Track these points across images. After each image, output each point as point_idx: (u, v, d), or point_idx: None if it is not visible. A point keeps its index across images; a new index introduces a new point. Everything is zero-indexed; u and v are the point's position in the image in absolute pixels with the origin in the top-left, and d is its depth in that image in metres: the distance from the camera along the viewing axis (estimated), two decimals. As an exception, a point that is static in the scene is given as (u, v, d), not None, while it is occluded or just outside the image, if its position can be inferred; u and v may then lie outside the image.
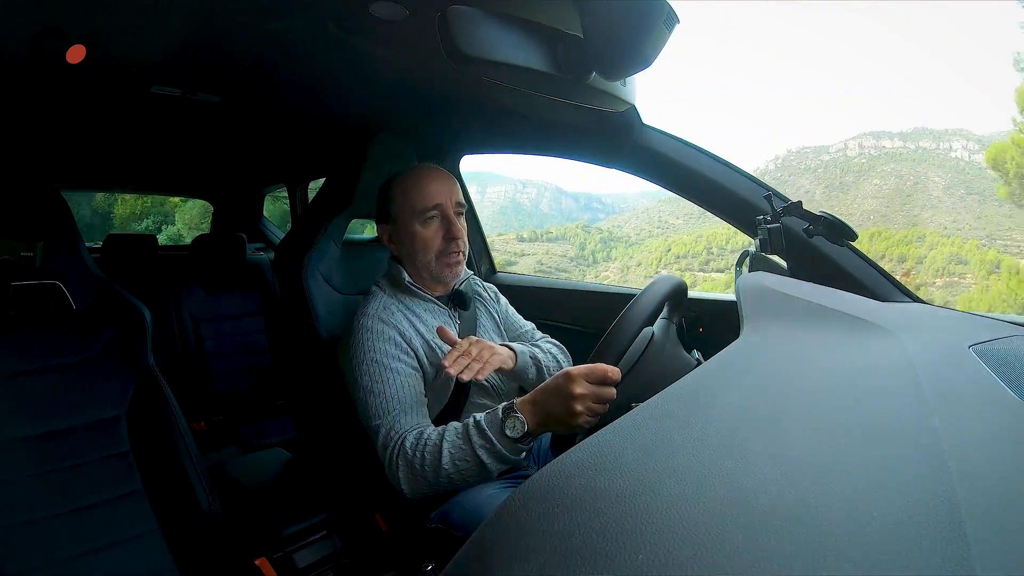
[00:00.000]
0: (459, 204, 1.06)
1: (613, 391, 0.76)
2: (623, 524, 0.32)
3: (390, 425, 0.92)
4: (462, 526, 0.98)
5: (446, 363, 0.86)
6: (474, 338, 0.94)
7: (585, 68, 0.83)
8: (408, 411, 0.93)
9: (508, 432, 0.80)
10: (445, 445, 0.85)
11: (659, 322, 0.96)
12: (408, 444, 0.89)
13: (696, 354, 0.98)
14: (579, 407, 0.75)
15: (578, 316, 1.56)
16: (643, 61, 0.81)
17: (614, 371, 0.76)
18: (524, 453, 0.84)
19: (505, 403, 0.83)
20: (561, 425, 0.78)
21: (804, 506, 0.33)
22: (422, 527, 1.02)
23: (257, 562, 1.06)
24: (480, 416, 0.85)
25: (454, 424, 0.89)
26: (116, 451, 0.99)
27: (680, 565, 0.29)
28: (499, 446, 0.81)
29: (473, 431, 0.84)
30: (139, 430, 1.01)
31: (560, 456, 0.41)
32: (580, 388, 0.76)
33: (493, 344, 0.96)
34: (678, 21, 0.77)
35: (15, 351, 0.95)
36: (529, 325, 1.27)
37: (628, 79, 0.94)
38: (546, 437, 1.17)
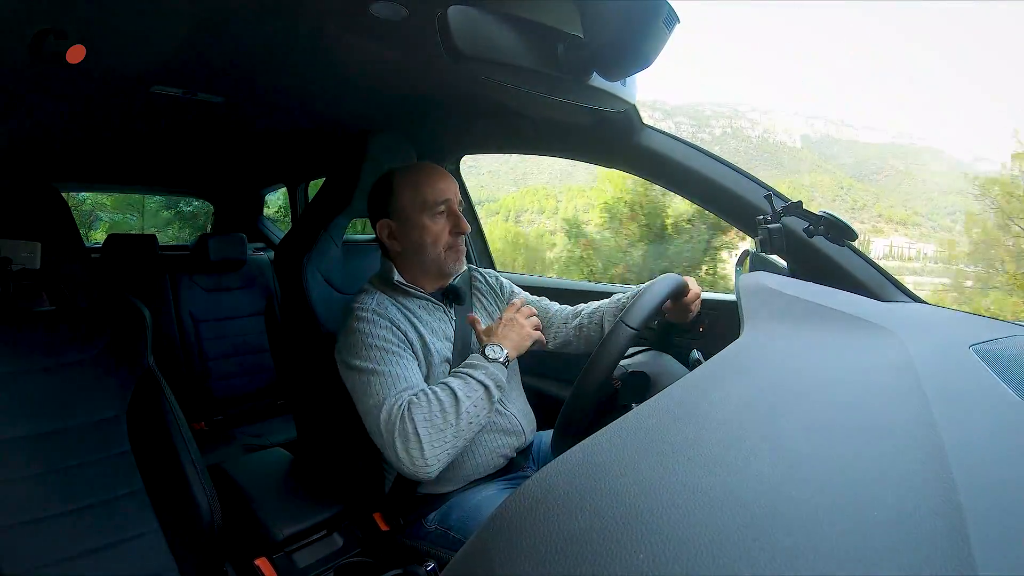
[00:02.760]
0: (461, 203, 1.08)
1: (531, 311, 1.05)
2: (624, 523, 0.32)
3: (395, 399, 0.90)
4: (460, 528, 0.98)
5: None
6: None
7: (585, 68, 0.83)
8: (412, 388, 0.93)
9: (490, 355, 0.96)
10: (452, 384, 0.92)
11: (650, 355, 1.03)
12: (418, 400, 0.90)
13: (696, 354, 0.99)
14: (514, 330, 1.00)
15: None
16: (643, 61, 0.81)
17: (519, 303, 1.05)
18: (506, 377, 0.97)
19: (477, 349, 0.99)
20: (520, 341, 1.00)
21: (805, 505, 0.33)
22: (421, 528, 1.02)
23: (257, 562, 1.05)
24: (460, 365, 0.98)
25: (439, 382, 0.96)
26: (116, 451, 0.99)
27: (680, 564, 0.29)
28: (492, 367, 0.94)
29: (465, 368, 0.96)
30: (139, 430, 1.01)
31: (560, 456, 0.41)
32: (510, 313, 1.02)
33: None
34: (678, 21, 0.77)
35: (15, 351, 0.95)
36: (541, 300, 1.28)
37: (628, 79, 0.94)
38: (546, 438, 1.17)
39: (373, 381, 0.93)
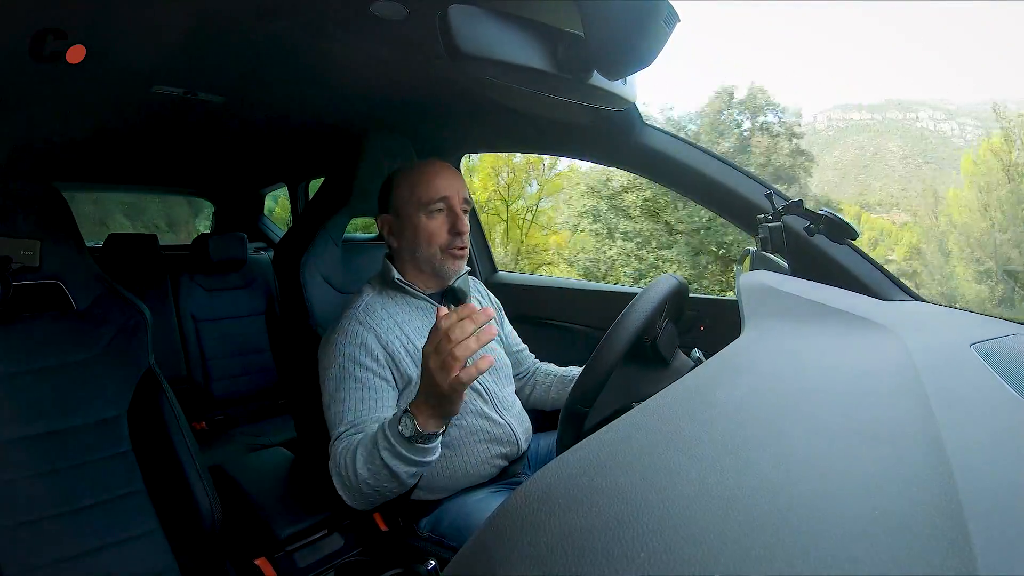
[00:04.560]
0: (465, 201, 1.04)
1: (466, 325, 0.70)
2: (625, 522, 0.32)
3: (337, 436, 0.92)
4: (452, 534, 0.98)
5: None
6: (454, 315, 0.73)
7: (585, 67, 0.82)
8: (357, 426, 0.91)
9: (401, 430, 0.79)
10: (359, 450, 0.85)
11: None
12: (338, 451, 0.89)
13: (697, 353, 0.98)
14: (434, 363, 0.72)
15: (578, 315, 1.56)
16: (643, 60, 0.80)
17: (442, 312, 0.73)
18: (432, 456, 0.82)
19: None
20: (441, 394, 0.74)
21: (805, 504, 0.33)
22: (415, 534, 1.02)
23: (257, 562, 1.05)
24: (388, 418, 0.84)
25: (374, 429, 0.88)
26: (117, 451, 0.99)
27: (681, 563, 0.29)
28: (398, 447, 0.80)
29: (379, 434, 0.82)
30: (140, 430, 1.01)
31: (562, 455, 0.41)
32: (427, 346, 0.73)
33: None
34: (679, 20, 0.77)
35: (16, 351, 0.95)
36: (523, 345, 1.29)
37: (628, 78, 0.94)
38: (545, 441, 1.16)
39: (332, 409, 0.95)
